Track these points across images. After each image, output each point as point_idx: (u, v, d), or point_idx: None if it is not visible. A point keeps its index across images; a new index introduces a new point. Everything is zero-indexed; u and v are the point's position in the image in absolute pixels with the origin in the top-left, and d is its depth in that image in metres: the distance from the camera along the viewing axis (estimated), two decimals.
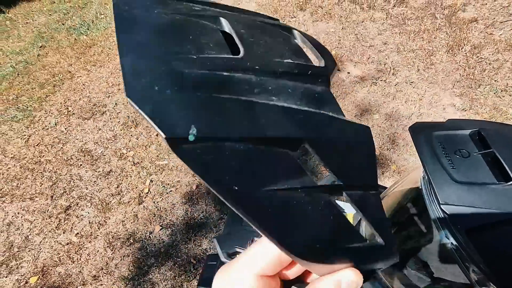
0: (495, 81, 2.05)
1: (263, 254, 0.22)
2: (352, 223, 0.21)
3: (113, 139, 2.02)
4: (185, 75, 0.17)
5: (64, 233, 1.66)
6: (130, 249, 1.58)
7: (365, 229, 0.29)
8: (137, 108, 0.15)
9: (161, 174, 1.84)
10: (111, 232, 1.64)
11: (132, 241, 1.60)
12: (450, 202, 0.30)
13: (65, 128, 2.11)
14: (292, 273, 0.24)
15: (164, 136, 0.15)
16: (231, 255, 0.55)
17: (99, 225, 1.67)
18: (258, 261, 0.22)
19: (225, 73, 0.18)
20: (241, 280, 0.22)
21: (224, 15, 0.22)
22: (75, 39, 2.82)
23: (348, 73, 2.24)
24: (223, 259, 0.55)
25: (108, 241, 1.61)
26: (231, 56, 0.19)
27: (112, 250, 1.58)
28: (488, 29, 2.34)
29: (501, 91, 1.99)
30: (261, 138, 0.18)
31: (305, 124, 0.19)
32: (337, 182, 0.20)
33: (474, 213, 0.29)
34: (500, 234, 0.29)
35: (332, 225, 0.20)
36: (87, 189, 1.81)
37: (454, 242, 0.29)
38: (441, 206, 0.30)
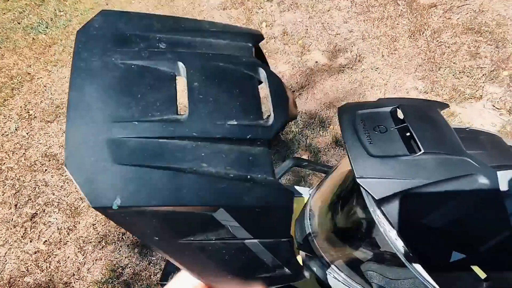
0: (453, 63, 2.13)
1: (185, 282, 0.27)
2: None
3: None
4: (122, 144, 0.18)
5: (31, 241, 1.59)
6: (102, 252, 1.54)
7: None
8: (72, 177, 0.17)
9: None
10: (82, 236, 1.59)
11: (104, 244, 1.56)
12: (364, 175, 0.31)
13: (27, 133, 2.01)
14: None
15: (91, 205, 0.18)
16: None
17: (68, 231, 1.61)
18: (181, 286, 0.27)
19: (161, 140, 0.19)
20: None
21: (183, 59, 0.22)
22: (33, 38, 2.67)
23: (316, 62, 2.26)
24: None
25: (79, 246, 1.56)
26: (173, 119, 0.20)
27: (83, 255, 1.54)
28: (447, 13, 2.42)
29: (459, 72, 2.08)
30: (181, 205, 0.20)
31: (224, 192, 0.21)
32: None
33: (385, 184, 0.31)
34: (408, 201, 0.30)
35: (244, 262, 0.24)
36: (53, 194, 1.74)
37: (370, 213, 0.31)
38: (357, 179, 0.31)
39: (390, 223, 0.30)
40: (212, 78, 0.23)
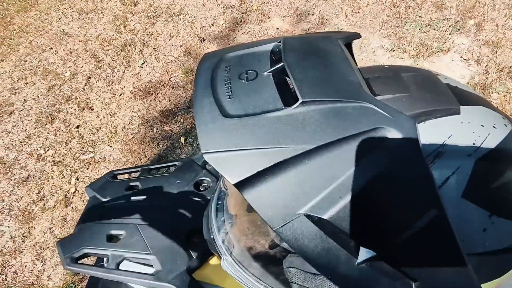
0: (419, 17, 2.03)
1: None
2: None
3: (26, 141, 1.79)
4: None
5: None
6: None
7: None
8: None
9: (87, 169, 1.67)
10: (39, 242, 1.48)
11: None
12: (213, 148, 0.20)
13: None
14: None
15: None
16: (78, 259, 0.45)
17: (23, 238, 1.49)
18: None
19: None
20: None
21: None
22: None
23: (277, 29, 2.12)
24: (64, 266, 0.45)
25: (36, 253, 1.45)
26: None
27: (42, 262, 1.43)
28: None
29: (426, 26, 1.99)
30: None
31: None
32: None
33: (244, 159, 0.20)
34: (279, 182, 0.20)
35: None
36: (3, 201, 1.60)
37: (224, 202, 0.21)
38: (203, 155, 0.20)
39: (260, 216, 0.20)
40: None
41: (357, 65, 0.29)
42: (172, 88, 1.93)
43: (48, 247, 1.46)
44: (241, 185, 0.20)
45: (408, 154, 0.20)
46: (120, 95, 1.93)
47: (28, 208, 1.57)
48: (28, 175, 1.67)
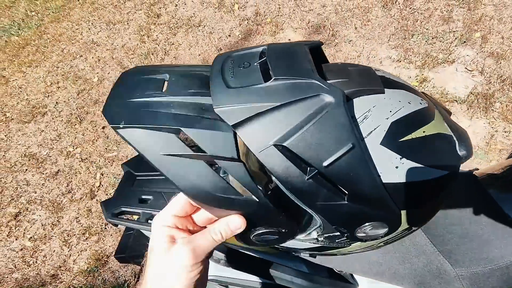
0: (426, 29, 2.12)
1: (176, 202, 0.36)
2: None
3: (57, 139, 1.96)
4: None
5: (16, 239, 1.62)
6: (86, 243, 1.57)
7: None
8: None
9: (111, 166, 1.81)
10: (66, 230, 1.62)
11: (88, 235, 1.59)
12: (221, 105, 0.32)
13: (5, 135, 2.02)
14: (201, 220, 0.38)
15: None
16: (117, 215, 0.56)
17: (52, 226, 1.64)
18: (172, 206, 0.36)
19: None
20: (160, 217, 0.36)
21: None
22: (5, 41, 2.65)
23: (289, 40, 2.25)
24: (107, 219, 0.56)
25: (63, 240, 1.59)
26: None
27: (68, 248, 1.57)
28: None
29: (432, 38, 2.07)
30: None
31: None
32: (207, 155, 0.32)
33: (239, 110, 0.32)
34: (260, 123, 0.32)
35: (210, 182, 0.32)
36: (35, 192, 1.76)
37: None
38: (215, 109, 0.32)
39: (247, 146, 0.32)
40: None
41: (327, 62, 0.41)
42: None
43: (74, 235, 1.60)
44: (236, 126, 0.32)
45: (335, 109, 0.32)
46: None
47: (57, 199, 1.72)
48: (58, 170, 1.83)
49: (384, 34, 2.17)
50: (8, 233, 1.64)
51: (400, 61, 2.00)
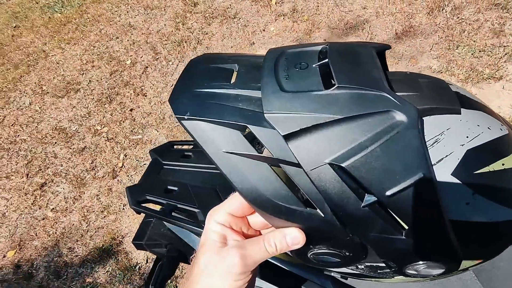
0: (473, 41, 1.99)
1: (233, 200, 0.34)
2: None
3: (87, 116, 2.01)
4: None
5: (40, 209, 1.68)
6: (104, 221, 1.61)
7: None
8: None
9: (135, 148, 1.84)
10: (86, 206, 1.67)
11: (106, 214, 1.62)
12: (273, 110, 0.28)
13: (40, 107, 2.10)
14: (258, 223, 0.35)
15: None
16: (142, 202, 0.55)
17: (74, 200, 1.69)
18: (230, 204, 0.34)
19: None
20: (216, 212, 0.34)
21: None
22: (49, 17, 2.75)
23: (324, 40, 2.18)
24: (131, 206, 0.55)
25: (83, 215, 1.63)
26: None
27: (87, 223, 1.61)
28: None
29: (479, 51, 1.94)
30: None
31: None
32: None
33: (293, 119, 0.28)
34: (315, 137, 0.28)
35: (272, 188, 0.30)
36: (62, 166, 1.82)
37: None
38: (264, 115, 0.28)
39: (298, 161, 0.28)
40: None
41: (388, 69, 0.37)
42: None
43: (93, 211, 1.64)
44: (288, 137, 0.28)
45: (408, 130, 0.27)
46: (171, 86, 2.10)
47: (81, 175, 1.77)
48: (85, 146, 1.88)
49: (426, 43, 2.06)
50: (33, 201, 1.70)
51: (442, 72, 1.89)
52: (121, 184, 1.71)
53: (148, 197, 0.55)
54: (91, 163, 1.81)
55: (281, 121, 0.28)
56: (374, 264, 0.37)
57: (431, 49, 2.03)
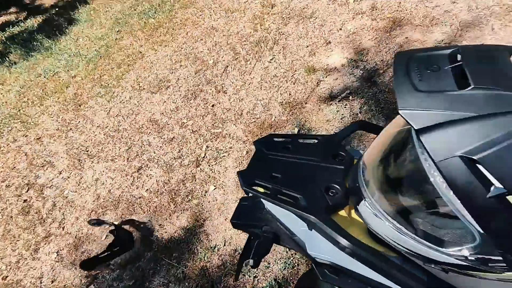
0: None
1: None
2: None
3: (175, 110, 2.26)
4: None
5: (137, 188, 1.96)
6: (188, 205, 1.81)
7: None
8: None
9: (215, 141, 2.02)
10: (174, 189, 1.89)
11: (190, 198, 1.83)
12: (407, 107, 0.31)
13: (137, 101, 2.42)
14: None
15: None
16: (251, 185, 0.65)
17: (164, 184, 1.93)
18: None
19: None
20: None
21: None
22: (144, 22, 3.13)
23: (406, 38, 2.09)
24: (242, 187, 0.65)
25: (171, 197, 1.86)
26: None
27: (174, 205, 1.83)
28: None
29: None
30: None
31: None
32: None
33: (427, 115, 0.30)
34: (449, 132, 0.30)
35: None
36: (154, 153, 2.09)
37: (410, 144, 0.32)
38: (399, 111, 0.31)
39: (429, 154, 0.30)
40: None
41: None
42: (294, 84, 2.13)
43: (180, 195, 1.85)
44: (421, 131, 0.31)
45: None
46: (249, 84, 2.24)
47: (170, 162, 2.01)
48: (173, 137, 2.13)
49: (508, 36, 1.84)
50: (132, 182, 1.99)
51: None
52: (203, 172, 1.90)
53: (257, 181, 0.65)
54: (178, 152, 2.04)
55: (416, 117, 0.31)
56: (487, 257, 0.38)
57: None
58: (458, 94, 0.31)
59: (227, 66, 2.39)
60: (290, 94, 2.09)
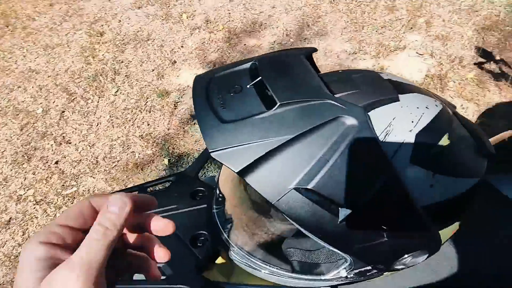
0: (374, 20, 2.19)
1: (70, 210, 0.26)
2: None
3: (4, 183, 1.74)
4: None
5: None
6: None
7: None
8: None
9: (72, 203, 1.64)
10: None
11: None
12: (218, 147, 0.26)
13: None
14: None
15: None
16: None
17: (6, 284, 1.44)
18: (64, 215, 0.25)
19: None
20: (42, 231, 0.24)
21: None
22: None
23: (245, 45, 2.21)
24: None
25: None
26: None
27: None
28: None
29: (381, 27, 2.14)
30: None
31: None
32: None
33: (243, 152, 0.26)
34: (273, 165, 0.26)
35: None
36: None
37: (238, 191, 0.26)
38: (211, 153, 0.26)
39: (260, 195, 0.26)
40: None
41: (319, 72, 0.36)
42: (149, 112, 1.95)
43: None
44: (243, 172, 0.25)
45: (361, 132, 0.27)
46: (97, 125, 1.92)
47: (14, 252, 1.52)
48: (10, 218, 1.62)
49: (336, 29, 2.21)
50: None
51: (356, 53, 2.04)
52: None
53: None
54: (23, 234, 1.56)
55: (231, 157, 0.25)
56: (363, 269, 0.36)
57: (341, 34, 2.18)
58: (268, 115, 0.27)
59: (63, 111, 1.99)
60: (148, 124, 1.89)
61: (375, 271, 0.37)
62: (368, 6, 2.28)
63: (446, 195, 0.31)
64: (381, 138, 0.29)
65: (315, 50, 0.36)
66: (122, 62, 2.21)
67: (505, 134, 0.72)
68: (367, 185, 0.27)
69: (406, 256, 0.33)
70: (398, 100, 0.32)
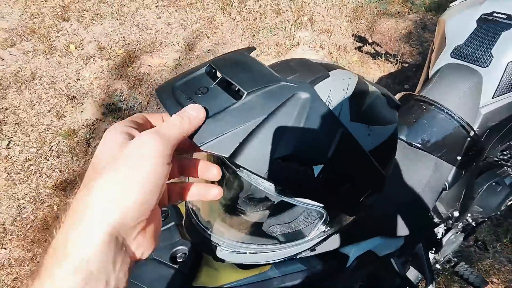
0: (267, 23, 2.38)
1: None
2: None
3: None
4: None
5: None
6: None
7: None
8: None
9: None
10: None
11: None
12: (206, 140, 0.29)
13: None
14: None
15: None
16: None
17: None
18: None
19: None
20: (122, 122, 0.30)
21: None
22: None
23: (149, 65, 2.14)
24: None
25: None
26: None
27: None
28: None
29: (275, 29, 2.34)
30: None
31: None
32: None
33: (228, 139, 0.30)
34: (255, 144, 0.31)
35: None
36: None
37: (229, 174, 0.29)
38: (201, 148, 0.29)
39: (251, 172, 0.31)
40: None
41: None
42: (58, 157, 1.72)
43: None
44: (233, 156, 0.29)
45: (315, 102, 0.34)
46: None
47: None
48: None
49: (234, 36, 2.32)
50: None
51: (258, 56, 2.18)
52: None
53: None
54: None
55: (220, 146, 0.29)
56: (336, 219, 0.45)
57: (241, 40, 2.30)
58: (240, 104, 0.31)
59: None
60: (60, 171, 1.67)
61: (344, 218, 0.45)
62: (258, 12, 2.46)
63: (380, 140, 0.40)
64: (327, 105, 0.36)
65: (254, 48, 0.41)
66: (7, 109, 1.90)
67: (398, 95, 0.89)
68: (330, 141, 0.34)
69: (363, 197, 0.41)
70: (329, 76, 0.40)
